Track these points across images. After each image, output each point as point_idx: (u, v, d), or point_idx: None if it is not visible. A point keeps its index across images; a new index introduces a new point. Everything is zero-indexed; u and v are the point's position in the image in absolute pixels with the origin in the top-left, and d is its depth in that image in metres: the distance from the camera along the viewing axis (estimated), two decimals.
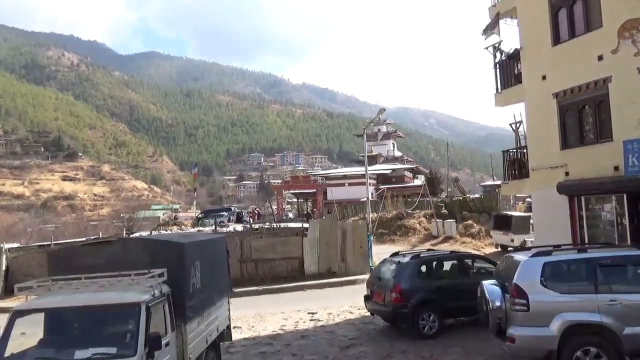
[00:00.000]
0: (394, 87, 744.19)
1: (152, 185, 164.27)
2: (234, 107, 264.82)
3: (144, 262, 6.00)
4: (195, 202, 45.54)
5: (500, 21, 15.46)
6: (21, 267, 19.91)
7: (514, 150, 15.18)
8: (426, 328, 9.45)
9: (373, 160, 62.82)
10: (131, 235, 21.63)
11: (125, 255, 6.23)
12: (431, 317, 9.47)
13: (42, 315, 5.35)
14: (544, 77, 13.62)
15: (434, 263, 10.29)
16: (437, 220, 29.36)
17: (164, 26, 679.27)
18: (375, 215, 23.61)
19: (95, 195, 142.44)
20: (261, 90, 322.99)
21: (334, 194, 45.21)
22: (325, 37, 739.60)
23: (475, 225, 28.77)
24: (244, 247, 19.22)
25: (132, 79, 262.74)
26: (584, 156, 12.52)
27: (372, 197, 50.29)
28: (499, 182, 65.43)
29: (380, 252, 22.63)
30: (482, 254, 11.31)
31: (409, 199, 36.67)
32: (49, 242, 20.93)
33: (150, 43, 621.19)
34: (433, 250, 12.27)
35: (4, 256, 19.69)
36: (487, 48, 15.68)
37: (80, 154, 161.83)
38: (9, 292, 19.34)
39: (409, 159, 74.73)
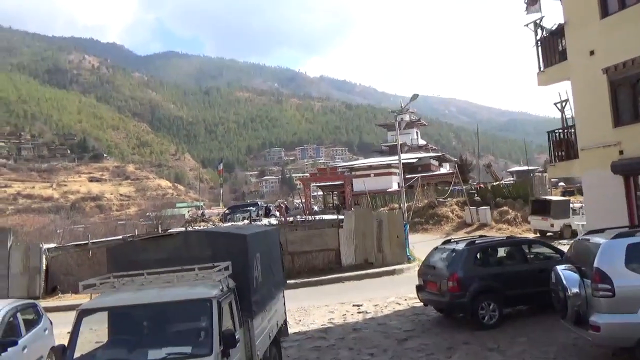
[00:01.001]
0: (412, 76, 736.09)
1: (175, 184, 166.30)
2: (253, 102, 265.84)
3: (206, 255, 5.76)
4: (221, 199, 45.60)
5: None
6: (60, 266, 20.11)
7: (560, 131, 14.53)
8: (486, 318, 9.04)
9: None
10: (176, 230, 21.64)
11: (187, 249, 6.00)
12: (491, 306, 9.05)
13: (106, 314, 5.14)
14: (592, 53, 12.92)
15: (491, 249, 9.85)
16: (471, 207, 28.73)
17: (180, 26, 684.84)
18: (409, 204, 23.12)
19: (121, 195, 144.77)
20: (279, 85, 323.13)
21: (360, 185, 44.76)
22: (341, 29, 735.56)
23: (510, 211, 28.07)
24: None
25: (152, 79, 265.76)
26: (639, 133, 11.86)
27: (399, 187, 49.86)
28: (526, 168, 64.10)
29: (414, 241, 22.25)
30: (540, 239, 10.82)
31: (439, 187, 36.02)
32: (86, 241, 21.07)
33: (167, 43, 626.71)
34: (486, 236, 11.80)
35: (44, 256, 19.88)
36: (527, 25, 15.01)
37: (105, 155, 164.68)
38: (50, 291, 19.64)
39: (433, 148, 73.68)
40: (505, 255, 9.95)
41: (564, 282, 6.55)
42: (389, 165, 49.27)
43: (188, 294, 4.86)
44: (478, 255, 9.52)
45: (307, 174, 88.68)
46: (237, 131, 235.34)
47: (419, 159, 54.41)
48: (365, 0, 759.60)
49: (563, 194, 31.40)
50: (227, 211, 47.20)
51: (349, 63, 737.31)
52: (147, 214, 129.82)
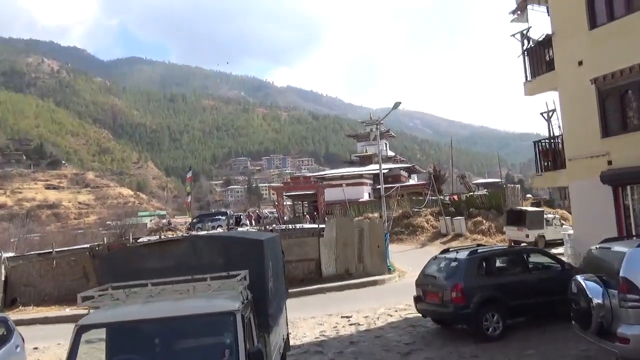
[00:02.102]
0: (378, 88, 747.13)
1: (138, 192, 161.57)
2: (219, 111, 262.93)
3: (218, 263, 5.18)
4: (189, 207, 44.27)
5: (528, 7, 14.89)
6: (21, 277, 18.76)
7: (547, 141, 14.60)
8: (490, 329, 8.72)
9: (368, 160, 62.29)
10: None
11: (196, 256, 5.37)
12: (494, 317, 8.74)
13: (103, 331, 4.45)
14: (580, 63, 13.04)
15: (493, 259, 9.57)
16: (446, 217, 28.78)
17: (145, 31, 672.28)
18: (388, 213, 22.89)
19: (80, 203, 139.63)
20: (246, 94, 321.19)
21: (332, 194, 44.46)
22: (308, 40, 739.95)
23: (484, 221, 28.28)
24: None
25: (115, 85, 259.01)
26: (628, 143, 11.94)
27: (370, 197, 49.80)
28: (492, 180, 65.23)
29: (390, 251, 21.91)
30: (541, 248, 10.67)
31: (413, 198, 36.11)
32: (50, 250, 19.75)
33: (131, 48, 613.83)
34: (484, 245, 11.58)
35: (3, 266, 18.48)
36: (513, 35, 15.12)
37: (63, 161, 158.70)
38: (9, 304, 18.25)
39: (402, 159, 74.37)
40: (506, 264, 9.71)
41: (588, 292, 6.28)
42: (360, 175, 49.27)
43: (208, 307, 4.25)
44: (481, 265, 9.22)
45: (278, 184, 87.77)
46: (203, 139, 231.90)
47: (390, 169, 54.60)
48: (332, 13, 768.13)
49: (534, 204, 31.95)
50: (194, 220, 45.93)
51: (316, 74, 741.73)
52: (107, 222, 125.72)
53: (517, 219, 24.34)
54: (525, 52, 14.87)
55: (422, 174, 67.58)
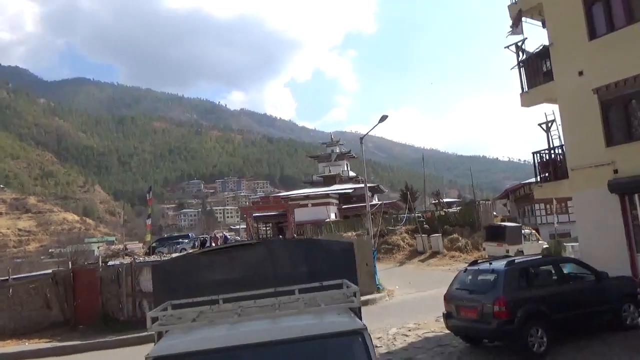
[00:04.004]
0: (332, 111, 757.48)
1: (84, 217, 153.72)
2: (171, 133, 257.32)
3: (301, 272, 4.23)
4: (149, 231, 41.90)
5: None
6: None
7: (546, 151, 14.47)
8: (535, 346, 8.08)
9: (332, 180, 61.98)
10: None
11: (271, 264, 4.39)
12: (539, 332, 8.12)
13: None
14: (580, 73, 13.04)
15: (532, 269, 8.99)
16: (422, 235, 28.49)
17: (92, 52, 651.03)
18: (369, 230, 22.25)
19: (20, 230, 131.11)
20: (198, 117, 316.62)
21: (298, 215, 43.50)
22: (263, 64, 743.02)
23: (460, 238, 28.18)
24: None
25: (59, 106, 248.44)
26: (635, 152, 11.91)
27: (336, 217, 49.19)
28: (451, 200, 66.34)
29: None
30: (575, 258, 10.28)
31: (386, 216, 35.78)
32: (6, 277, 17.66)
33: (78, 69, 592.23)
34: (511, 256, 11.00)
35: None
36: (508, 47, 15.07)
37: (1, 185, 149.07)
38: None
39: (363, 179, 74.59)
40: (544, 275, 9.15)
41: None
42: (327, 195, 48.67)
43: (326, 326, 3.28)
44: (521, 276, 8.62)
45: (241, 205, 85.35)
46: (154, 162, 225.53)
47: (354, 189, 54.41)
48: (283, 37, 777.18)
49: (507, 220, 32.34)
50: (154, 244, 43.57)
51: (269, 98, 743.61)
52: (50, 250, 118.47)
53: (496, 234, 24.38)
54: (521, 64, 14.81)
55: (384, 193, 67.86)
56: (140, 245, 66.01)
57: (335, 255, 4.63)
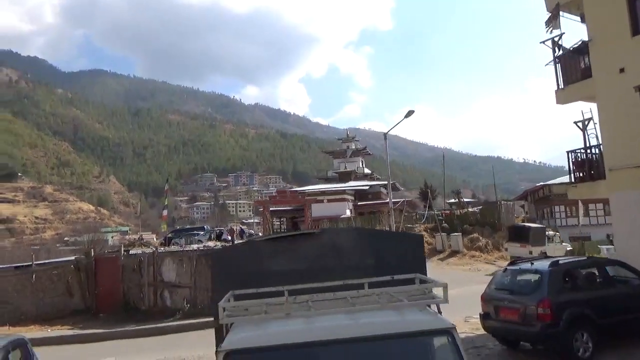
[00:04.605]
0: (345, 108, 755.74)
1: (99, 207, 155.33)
2: (185, 126, 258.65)
3: (367, 264, 4.00)
4: (165, 222, 42.04)
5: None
6: None
7: (582, 151, 14.04)
8: (580, 350, 7.76)
9: (347, 176, 61.64)
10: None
11: (336, 255, 4.16)
12: (584, 337, 7.80)
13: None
14: (621, 70, 12.58)
15: (577, 271, 8.64)
16: (442, 233, 28.12)
17: (110, 43, 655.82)
18: (397, 224, 21.97)
19: (37, 218, 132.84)
20: (213, 110, 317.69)
21: (314, 211, 43.28)
22: (276, 60, 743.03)
23: (481, 238, 27.75)
24: None
25: (76, 97, 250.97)
26: None
27: (352, 214, 48.90)
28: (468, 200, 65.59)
29: None
30: (620, 260, 9.89)
31: (405, 214, 35.39)
32: (30, 263, 17.73)
33: (95, 61, 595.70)
34: (550, 256, 10.68)
35: None
36: (544, 42, 14.63)
37: (19, 174, 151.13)
38: None
39: (378, 177, 74.10)
40: (589, 277, 8.81)
41: None
42: (343, 192, 48.33)
43: (414, 324, 3.03)
44: (565, 277, 8.29)
45: (255, 199, 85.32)
46: (168, 155, 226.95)
47: (370, 186, 54.02)
48: (299, 32, 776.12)
49: (526, 220, 31.85)
50: (170, 235, 43.70)
51: (283, 93, 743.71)
52: (65, 238, 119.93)
53: (520, 235, 23.93)
54: (557, 60, 14.38)
55: (399, 192, 67.30)
56: (154, 236, 66.40)
57: (404, 247, 4.39)
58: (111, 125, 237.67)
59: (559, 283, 8.12)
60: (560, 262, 8.72)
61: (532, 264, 8.83)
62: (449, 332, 2.97)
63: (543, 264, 8.51)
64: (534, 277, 8.29)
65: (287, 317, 3.12)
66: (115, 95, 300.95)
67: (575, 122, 14.30)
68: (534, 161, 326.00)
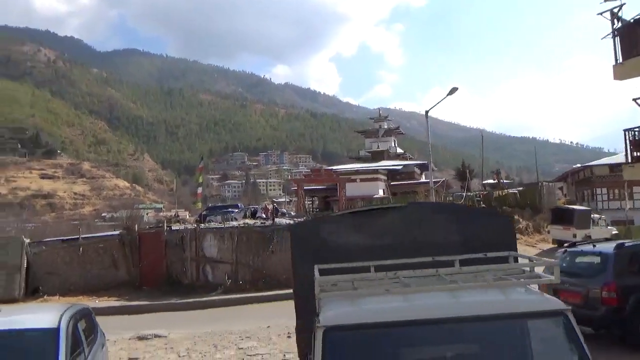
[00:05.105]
0: (375, 88, 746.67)
1: (134, 184, 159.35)
2: (216, 106, 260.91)
3: (453, 241, 3.82)
4: (200, 199, 42.61)
5: None
6: (44, 264, 17.31)
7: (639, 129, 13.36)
8: None
9: (380, 156, 61.07)
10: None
11: (420, 231, 3.99)
12: None
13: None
14: None
15: None
16: None
17: (143, 23, 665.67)
18: None
19: (75, 193, 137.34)
20: (243, 90, 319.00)
21: (351, 190, 43.10)
22: (308, 38, 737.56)
23: (521, 220, 27.08)
24: None
25: (111, 76, 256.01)
26: None
27: (385, 194, 48.55)
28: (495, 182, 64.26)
29: None
30: None
31: (443, 195, 34.84)
32: (77, 236, 18.27)
33: (129, 40, 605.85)
34: (611, 239, 10.30)
35: (25, 252, 16.99)
36: (601, 13, 13.85)
37: (58, 151, 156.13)
38: (31, 293, 16.78)
39: (411, 156, 73.17)
40: None
41: None
42: (375, 171, 47.91)
43: (525, 304, 2.84)
44: (632, 261, 7.90)
45: (283, 178, 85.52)
46: (199, 134, 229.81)
47: (404, 166, 53.37)
48: (330, 11, 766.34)
49: (567, 202, 30.90)
50: (204, 212, 44.37)
51: (313, 72, 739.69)
52: (103, 214, 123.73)
53: (563, 218, 23.22)
54: (616, 32, 13.60)
55: (432, 172, 66.27)
56: (187, 213, 67.59)
57: (492, 224, 4.16)
58: (145, 105, 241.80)
59: (624, 266, 7.75)
60: (626, 245, 8.32)
61: (594, 246, 8.46)
62: (563, 313, 2.77)
63: (607, 247, 8.13)
64: (597, 260, 7.94)
65: (389, 293, 2.96)
66: (149, 75, 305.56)
67: (635, 99, 13.58)
68: (571, 142, 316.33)
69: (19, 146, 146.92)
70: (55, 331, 4.57)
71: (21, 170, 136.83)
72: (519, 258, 3.61)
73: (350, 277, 3.22)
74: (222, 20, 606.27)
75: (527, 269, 3.28)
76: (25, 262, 16.96)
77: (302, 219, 22.47)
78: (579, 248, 8.65)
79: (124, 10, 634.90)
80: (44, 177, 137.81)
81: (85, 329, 5.59)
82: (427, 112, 22.20)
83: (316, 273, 3.23)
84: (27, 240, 17.64)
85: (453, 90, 19.31)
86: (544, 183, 34.06)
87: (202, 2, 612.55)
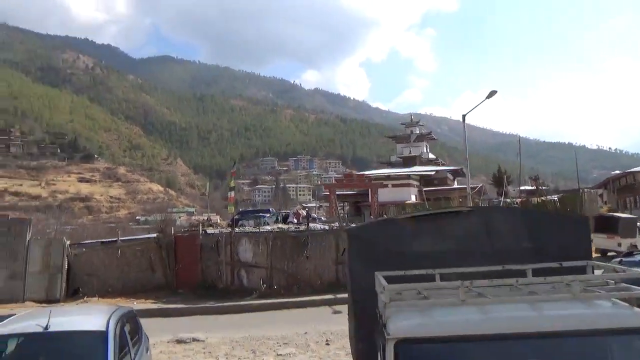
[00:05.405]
0: (405, 93, 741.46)
1: (167, 188, 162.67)
2: (247, 111, 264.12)
3: (524, 248, 3.59)
4: (232, 204, 42.96)
5: None
6: (84, 266, 17.68)
7: None
8: None
9: (411, 161, 60.49)
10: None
11: (489, 237, 3.78)
12: None
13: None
14: None
15: None
16: None
17: (176, 31, 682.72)
18: None
19: (111, 197, 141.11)
20: (274, 96, 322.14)
21: (383, 195, 42.75)
22: (337, 43, 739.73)
23: None
24: (340, 248, 16.81)
25: (146, 83, 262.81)
26: None
27: (416, 199, 47.94)
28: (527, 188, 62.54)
29: None
30: None
31: (476, 200, 34.05)
32: (115, 239, 18.63)
33: (163, 47, 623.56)
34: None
35: (65, 254, 17.40)
36: None
37: (96, 155, 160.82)
38: (71, 294, 17.15)
39: (443, 162, 72.20)
40: None
41: None
42: (407, 177, 47.40)
43: (619, 318, 2.61)
44: None
45: (320, 182, 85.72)
46: (230, 139, 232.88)
47: (436, 172, 52.65)
48: (359, 16, 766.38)
49: (610, 210, 29.72)
50: (237, 216, 44.73)
51: (342, 77, 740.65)
52: (137, 217, 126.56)
53: (607, 226, 22.30)
54: None
55: (465, 178, 65.13)
56: (218, 217, 68.33)
57: (567, 230, 3.91)
58: (178, 110, 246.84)
59: None
60: None
61: None
62: None
63: None
64: None
65: (465, 303, 2.76)
66: (182, 81, 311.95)
67: None
68: (609, 148, 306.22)
69: (59, 150, 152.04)
70: (104, 333, 4.66)
71: (60, 174, 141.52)
72: (596, 268, 3.36)
73: (417, 285, 3.04)
74: (252, 26, 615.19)
75: (613, 281, 3.03)
76: (66, 263, 17.35)
77: (335, 224, 22.30)
78: (637, 257, 8.21)
79: (158, 18, 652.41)
80: (81, 180, 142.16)
81: (130, 331, 5.61)
82: (464, 116, 21.70)
83: (382, 281, 3.06)
84: (68, 242, 18.05)
85: (492, 93, 18.83)
86: (586, 190, 32.87)
87: (233, 9, 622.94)
